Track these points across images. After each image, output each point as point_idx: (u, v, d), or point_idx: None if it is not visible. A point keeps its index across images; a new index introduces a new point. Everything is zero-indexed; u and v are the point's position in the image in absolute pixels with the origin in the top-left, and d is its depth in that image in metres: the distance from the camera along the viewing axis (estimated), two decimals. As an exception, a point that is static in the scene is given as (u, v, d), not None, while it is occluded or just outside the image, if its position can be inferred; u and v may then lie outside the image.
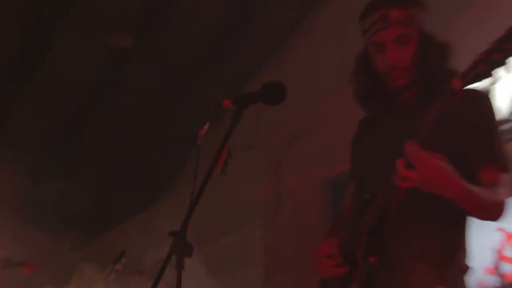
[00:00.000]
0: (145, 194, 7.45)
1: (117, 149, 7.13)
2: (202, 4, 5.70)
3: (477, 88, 1.85)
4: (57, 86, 6.28)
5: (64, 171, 6.94)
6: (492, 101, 1.94)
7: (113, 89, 6.51)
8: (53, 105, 6.49)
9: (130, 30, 5.86)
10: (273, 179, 5.77)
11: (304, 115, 5.50)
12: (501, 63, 1.44)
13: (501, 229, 3.52)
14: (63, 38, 5.80)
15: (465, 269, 1.92)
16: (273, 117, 5.54)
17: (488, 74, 1.48)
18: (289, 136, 5.66)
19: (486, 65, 1.47)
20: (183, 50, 6.14)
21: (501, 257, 3.55)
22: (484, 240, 3.24)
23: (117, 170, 7.32)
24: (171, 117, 6.85)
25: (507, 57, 1.44)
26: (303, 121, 5.52)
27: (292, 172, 5.58)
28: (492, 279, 3.55)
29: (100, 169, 7.33)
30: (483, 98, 1.94)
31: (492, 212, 1.83)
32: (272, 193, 5.75)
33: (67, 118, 6.71)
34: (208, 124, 1.84)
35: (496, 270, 3.56)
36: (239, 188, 5.61)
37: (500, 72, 1.42)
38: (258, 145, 6.01)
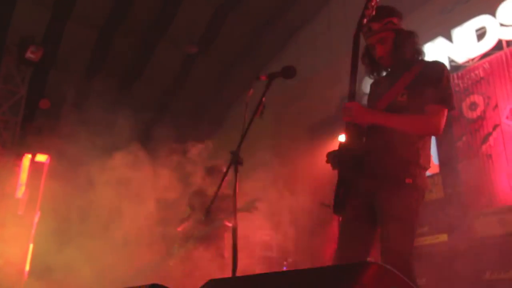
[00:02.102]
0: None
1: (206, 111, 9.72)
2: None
3: (435, 60, 2.91)
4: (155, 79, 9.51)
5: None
6: (442, 65, 2.77)
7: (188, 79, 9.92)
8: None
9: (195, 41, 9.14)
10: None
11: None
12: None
13: None
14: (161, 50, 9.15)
15: (425, 167, 2.68)
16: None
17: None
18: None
19: None
20: (228, 51, 9.65)
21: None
22: None
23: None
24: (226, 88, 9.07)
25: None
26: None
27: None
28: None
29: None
30: (436, 64, 2.78)
31: (420, 129, 2.64)
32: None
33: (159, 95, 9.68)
34: (252, 89, 3.04)
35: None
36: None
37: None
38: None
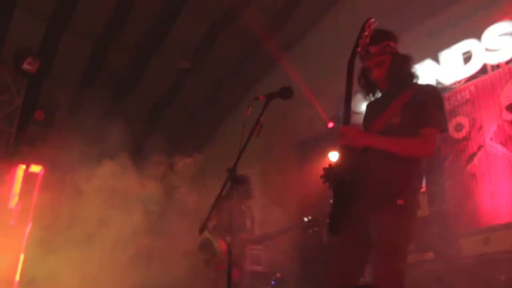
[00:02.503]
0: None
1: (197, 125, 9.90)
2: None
3: (428, 83, 3.01)
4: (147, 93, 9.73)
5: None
6: (436, 89, 2.90)
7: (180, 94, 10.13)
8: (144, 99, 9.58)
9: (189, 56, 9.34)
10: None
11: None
12: None
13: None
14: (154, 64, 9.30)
15: (418, 188, 2.72)
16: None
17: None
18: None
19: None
20: (220, 67, 9.86)
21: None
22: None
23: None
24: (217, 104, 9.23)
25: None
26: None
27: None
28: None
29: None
30: (430, 88, 2.89)
31: (414, 152, 2.66)
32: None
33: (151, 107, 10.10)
34: (250, 108, 3.09)
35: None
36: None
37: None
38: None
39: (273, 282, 6.24)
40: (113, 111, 7.89)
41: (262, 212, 7.34)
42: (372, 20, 2.75)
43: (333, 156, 6.78)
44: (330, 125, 7.99)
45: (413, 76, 2.90)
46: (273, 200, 7.64)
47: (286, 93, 3.00)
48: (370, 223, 2.64)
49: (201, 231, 3.37)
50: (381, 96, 3.01)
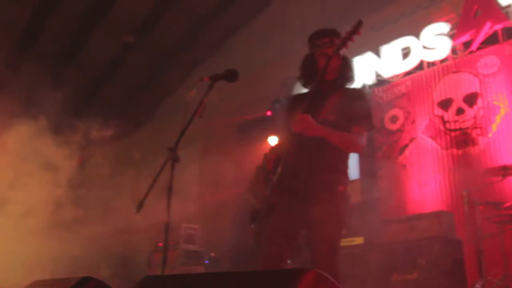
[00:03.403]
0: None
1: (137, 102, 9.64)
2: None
3: (359, 87, 3.13)
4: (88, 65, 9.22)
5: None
6: (365, 92, 3.20)
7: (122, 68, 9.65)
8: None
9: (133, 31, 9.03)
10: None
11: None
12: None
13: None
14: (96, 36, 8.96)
15: (349, 177, 2.91)
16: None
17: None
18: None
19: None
20: (164, 45, 9.67)
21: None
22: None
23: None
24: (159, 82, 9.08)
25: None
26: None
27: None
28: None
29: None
30: (361, 91, 3.19)
31: (351, 147, 2.86)
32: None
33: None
34: (194, 89, 3.05)
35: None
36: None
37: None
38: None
39: (207, 261, 6.28)
40: (51, 82, 7.56)
41: (200, 191, 7.36)
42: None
43: (272, 140, 6.85)
44: (269, 113, 8.05)
45: (352, 79, 3.03)
46: (211, 179, 7.66)
47: (231, 75, 2.98)
48: (312, 209, 2.69)
49: (138, 209, 3.31)
50: (311, 92, 2.98)
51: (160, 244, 6.68)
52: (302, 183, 2.74)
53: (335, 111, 2.85)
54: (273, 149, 3.17)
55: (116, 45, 9.19)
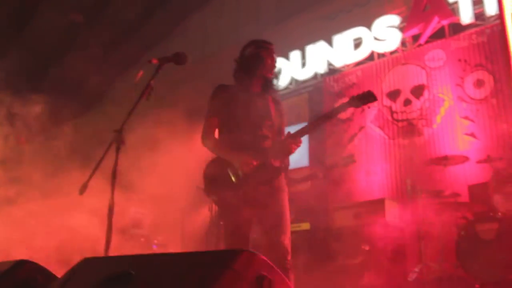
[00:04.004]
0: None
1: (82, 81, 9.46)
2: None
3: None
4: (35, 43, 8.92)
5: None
6: None
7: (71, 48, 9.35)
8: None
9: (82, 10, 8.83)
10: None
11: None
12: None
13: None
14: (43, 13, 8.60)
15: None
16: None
17: None
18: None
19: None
20: (116, 25, 9.43)
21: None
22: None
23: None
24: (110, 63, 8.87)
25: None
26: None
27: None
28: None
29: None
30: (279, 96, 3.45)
31: None
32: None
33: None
34: (142, 71, 3.00)
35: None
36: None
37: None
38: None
39: (154, 246, 6.24)
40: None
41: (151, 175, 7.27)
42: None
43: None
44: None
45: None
46: (163, 164, 7.58)
47: (179, 58, 2.95)
48: (272, 200, 2.97)
49: (82, 191, 3.25)
50: (255, 92, 3.22)
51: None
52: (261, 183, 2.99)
53: (276, 113, 3.22)
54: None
55: (64, 24, 8.89)
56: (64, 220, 5.01)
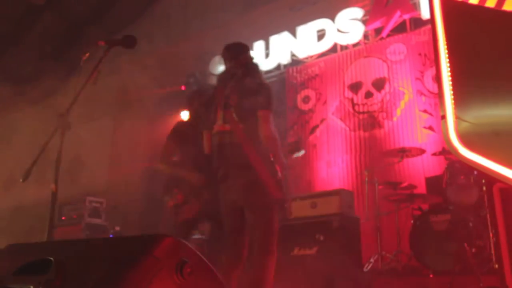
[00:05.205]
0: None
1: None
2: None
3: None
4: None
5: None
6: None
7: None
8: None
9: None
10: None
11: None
12: None
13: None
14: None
15: None
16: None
17: None
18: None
19: None
20: (79, 9, 9.23)
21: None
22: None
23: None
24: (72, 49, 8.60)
25: None
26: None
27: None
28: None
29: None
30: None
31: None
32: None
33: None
34: (88, 53, 2.90)
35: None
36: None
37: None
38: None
39: (111, 236, 6.13)
40: None
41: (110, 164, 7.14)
42: None
43: (184, 115, 6.76)
44: (183, 88, 7.94)
45: None
46: (123, 153, 7.46)
47: (128, 41, 2.85)
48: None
49: (25, 178, 3.14)
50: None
51: (64, 218, 6.43)
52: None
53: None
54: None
55: (24, 6, 8.58)
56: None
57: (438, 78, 1.75)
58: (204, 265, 1.30)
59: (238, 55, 3.25)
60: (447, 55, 1.73)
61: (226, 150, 3.08)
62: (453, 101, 1.69)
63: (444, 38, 1.76)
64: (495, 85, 1.72)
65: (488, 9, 1.76)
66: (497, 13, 1.75)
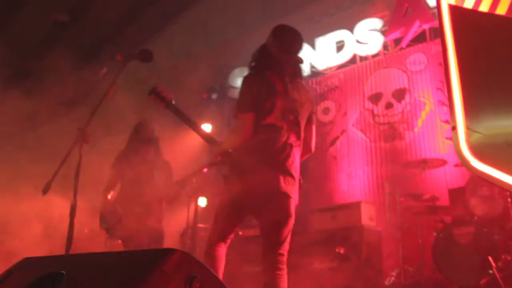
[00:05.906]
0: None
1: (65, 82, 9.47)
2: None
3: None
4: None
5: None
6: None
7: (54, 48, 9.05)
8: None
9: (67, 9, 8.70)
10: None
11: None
12: None
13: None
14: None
15: None
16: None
17: None
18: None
19: None
20: (102, 25, 9.23)
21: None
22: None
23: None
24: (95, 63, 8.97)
25: None
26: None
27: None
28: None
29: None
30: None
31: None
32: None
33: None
34: (106, 68, 2.94)
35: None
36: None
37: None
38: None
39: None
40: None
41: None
42: None
43: (206, 127, 6.80)
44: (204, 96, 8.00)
45: None
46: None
47: (144, 56, 2.90)
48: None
49: (45, 191, 3.18)
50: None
51: (86, 231, 6.48)
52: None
53: None
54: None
55: (48, 23, 8.78)
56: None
57: (448, 89, 1.70)
58: (213, 279, 1.29)
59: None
60: (457, 65, 1.69)
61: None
62: (463, 112, 1.65)
63: (454, 48, 1.73)
64: (508, 95, 1.68)
65: (499, 16, 1.72)
66: (508, 20, 1.70)
